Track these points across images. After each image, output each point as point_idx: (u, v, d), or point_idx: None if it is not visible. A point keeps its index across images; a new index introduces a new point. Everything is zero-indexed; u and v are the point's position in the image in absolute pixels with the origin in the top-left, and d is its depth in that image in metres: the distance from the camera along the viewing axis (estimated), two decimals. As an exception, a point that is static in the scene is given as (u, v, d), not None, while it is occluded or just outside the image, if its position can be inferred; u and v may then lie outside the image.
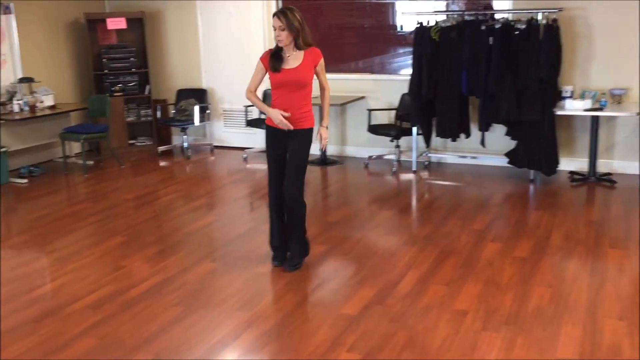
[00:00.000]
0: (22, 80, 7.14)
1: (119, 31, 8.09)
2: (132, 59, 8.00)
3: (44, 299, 3.89)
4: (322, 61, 4.05)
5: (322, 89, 4.16)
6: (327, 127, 4.16)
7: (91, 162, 7.48)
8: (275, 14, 3.91)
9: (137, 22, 8.07)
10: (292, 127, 3.97)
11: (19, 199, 6.20)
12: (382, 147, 7.20)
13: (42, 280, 4.23)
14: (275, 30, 3.91)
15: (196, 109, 7.76)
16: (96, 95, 7.68)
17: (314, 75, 4.07)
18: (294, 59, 3.96)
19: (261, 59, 4.05)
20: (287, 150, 4.07)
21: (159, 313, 3.62)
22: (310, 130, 4.08)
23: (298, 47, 3.94)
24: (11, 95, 7.03)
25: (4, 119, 6.71)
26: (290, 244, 4.26)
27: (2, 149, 6.66)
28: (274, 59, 3.97)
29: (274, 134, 4.10)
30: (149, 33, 8.16)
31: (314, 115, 4.14)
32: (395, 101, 7.04)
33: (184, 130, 7.92)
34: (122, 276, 4.19)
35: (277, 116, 3.95)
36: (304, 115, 4.03)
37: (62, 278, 4.19)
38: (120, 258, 4.53)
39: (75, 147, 7.81)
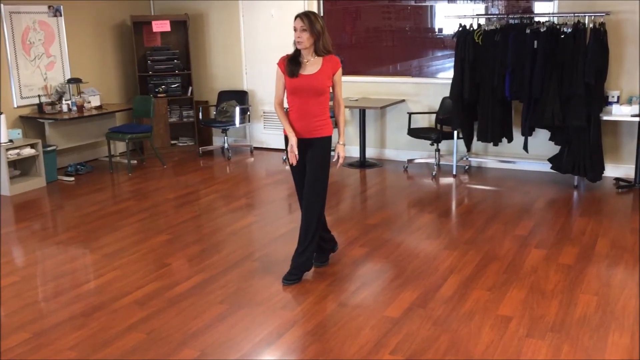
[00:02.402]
0: (71, 81, 7.35)
1: (163, 33, 8.26)
2: (175, 60, 8.15)
3: (92, 294, 4.00)
4: (340, 71, 3.91)
5: (337, 104, 3.98)
6: (344, 145, 4.02)
7: (135, 162, 7.64)
8: (297, 15, 3.81)
9: (181, 25, 8.23)
10: (294, 162, 3.92)
11: (66, 196, 6.39)
12: (422, 150, 7.18)
13: (89, 276, 4.35)
14: (296, 31, 3.80)
15: (237, 110, 7.87)
16: (140, 96, 7.85)
17: (331, 86, 3.92)
18: (312, 65, 3.86)
19: (278, 64, 3.94)
20: (306, 159, 3.95)
21: (203, 310, 3.69)
22: (329, 138, 3.95)
23: (317, 52, 3.84)
24: (60, 96, 7.25)
25: (53, 119, 6.91)
26: (295, 255, 4.10)
27: (51, 148, 6.87)
28: (291, 63, 3.87)
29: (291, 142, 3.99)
30: (192, 35, 8.30)
31: (331, 125, 3.99)
32: (436, 104, 7.01)
33: (224, 131, 8.03)
34: (167, 273, 4.28)
35: (291, 146, 3.89)
36: (322, 124, 3.91)
37: (109, 274, 4.30)
38: (165, 256, 4.62)
39: (120, 146, 7.99)
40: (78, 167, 7.24)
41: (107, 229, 5.27)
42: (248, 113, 8.16)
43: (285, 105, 4.05)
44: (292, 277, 4.05)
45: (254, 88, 8.27)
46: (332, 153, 4.04)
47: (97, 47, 7.90)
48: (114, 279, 4.22)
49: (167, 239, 5.00)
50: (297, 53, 3.89)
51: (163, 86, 8.13)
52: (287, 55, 3.95)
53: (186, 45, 8.26)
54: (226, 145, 8.06)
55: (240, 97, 8.16)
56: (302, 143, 3.92)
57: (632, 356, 3.05)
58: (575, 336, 3.25)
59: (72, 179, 6.97)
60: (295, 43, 3.84)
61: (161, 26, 8.02)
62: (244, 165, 7.65)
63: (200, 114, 8.17)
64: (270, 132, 8.30)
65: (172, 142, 8.37)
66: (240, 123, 7.95)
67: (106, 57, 8.05)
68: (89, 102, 7.35)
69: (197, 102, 8.34)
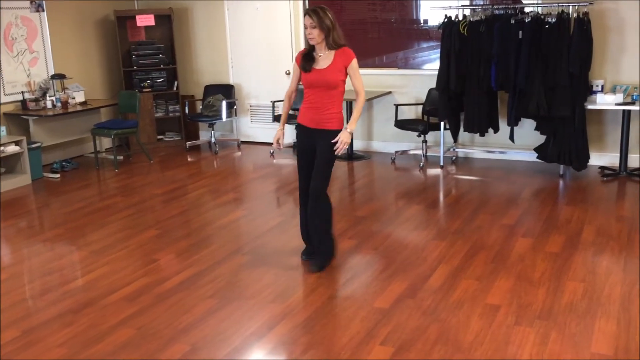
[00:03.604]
0: (55, 77, 7.28)
1: (147, 28, 8.20)
2: (160, 55, 8.09)
3: (81, 290, 3.98)
4: (353, 63, 3.93)
5: (356, 93, 4.00)
6: (350, 133, 3.96)
7: (121, 157, 7.60)
8: (306, 12, 3.93)
9: (166, 19, 8.17)
10: (279, 148, 4.17)
11: (52, 193, 6.34)
12: (409, 142, 7.20)
13: (78, 272, 4.33)
14: (306, 28, 3.91)
15: (223, 104, 7.84)
16: (126, 91, 7.80)
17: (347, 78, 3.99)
18: (324, 59, 3.93)
19: (295, 59, 4.07)
20: (316, 149, 4.01)
21: (193, 305, 3.68)
22: (337, 132, 3.98)
23: (329, 46, 3.91)
24: (44, 92, 7.18)
25: (37, 115, 6.85)
26: (314, 244, 4.22)
27: (36, 145, 6.80)
28: (305, 59, 3.97)
29: (300, 131, 4.13)
30: (176, 29, 8.25)
31: (342, 119, 4.04)
32: (423, 96, 7.03)
33: (211, 125, 8.00)
34: (156, 269, 4.27)
35: (275, 136, 4.21)
36: (331, 117, 3.96)
37: (97, 271, 4.28)
38: (153, 251, 4.61)
39: (106, 142, 7.95)
40: (64, 163, 7.18)
41: (94, 226, 5.24)
42: (235, 107, 8.14)
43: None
44: (318, 263, 4.16)
45: (240, 82, 8.24)
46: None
47: (80, 43, 7.83)
48: (102, 275, 4.20)
49: (155, 234, 4.98)
50: (312, 48, 3.98)
51: (148, 81, 8.08)
52: (304, 49, 4.06)
53: (171, 40, 8.20)
54: (213, 139, 8.04)
55: (227, 91, 8.13)
56: (312, 133, 4.02)
57: (618, 342, 3.09)
58: (562, 323, 3.29)
59: (58, 175, 6.91)
60: (307, 40, 3.94)
61: (145, 20, 7.96)
62: (232, 159, 7.63)
63: (187, 108, 8.12)
64: (257, 126, 8.28)
65: (159, 137, 8.33)
66: (226, 117, 7.92)
67: (90, 52, 7.98)
68: (74, 98, 7.29)
69: (183, 97, 8.30)
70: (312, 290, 3.85)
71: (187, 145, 8.12)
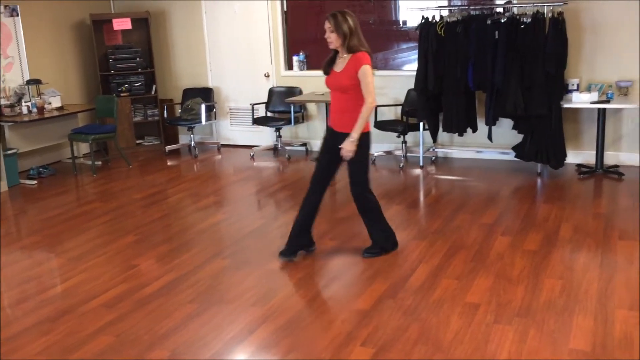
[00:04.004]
0: (30, 82, 7.19)
1: (124, 31, 8.13)
2: (138, 59, 8.04)
3: (59, 298, 3.93)
4: (363, 69, 3.89)
5: (364, 99, 3.94)
6: (352, 141, 3.94)
7: (99, 163, 7.53)
8: (326, 16, 3.99)
9: (143, 22, 8.12)
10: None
11: (29, 200, 6.25)
12: (389, 142, 7.23)
13: (55, 280, 4.27)
14: (326, 32, 3.98)
15: (203, 107, 7.80)
16: (103, 95, 7.73)
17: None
18: (341, 63, 4.00)
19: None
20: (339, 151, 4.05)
21: (173, 310, 3.66)
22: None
23: (347, 50, 3.96)
24: (19, 97, 7.08)
25: (13, 121, 6.76)
26: (370, 233, 4.35)
27: (12, 151, 6.71)
28: (327, 61, 4.09)
29: (328, 131, 4.25)
30: (154, 33, 8.20)
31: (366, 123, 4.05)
32: (401, 97, 7.06)
33: (190, 129, 7.96)
34: (135, 274, 4.23)
35: None
36: (350, 120, 3.98)
37: (75, 277, 4.24)
38: (133, 257, 4.56)
39: (84, 147, 7.87)
40: (40, 169, 7.09)
41: (72, 232, 5.19)
42: (214, 110, 8.11)
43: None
44: (372, 251, 4.32)
45: (220, 85, 8.21)
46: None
47: (56, 47, 7.74)
48: (80, 282, 4.15)
49: (134, 239, 4.94)
50: (336, 51, 4.06)
51: (126, 85, 8.02)
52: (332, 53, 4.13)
53: (149, 43, 8.15)
54: (192, 143, 7.99)
55: (206, 94, 8.10)
56: (335, 135, 4.10)
57: (595, 338, 3.13)
58: (541, 320, 3.33)
59: (35, 182, 6.83)
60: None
61: (122, 24, 7.90)
62: (212, 162, 7.60)
63: (165, 112, 8.07)
64: (237, 129, 8.26)
65: (138, 141, 8.26)
66: (206, 120, 7.89)
67: (66, 57, 7.89)
68: (50, 104, 7.21)
69: (161, 101, 8.25)
70: (293, 292, 3.85)
71: (167, 150, 8.07)
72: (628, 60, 6.14)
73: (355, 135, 3.95)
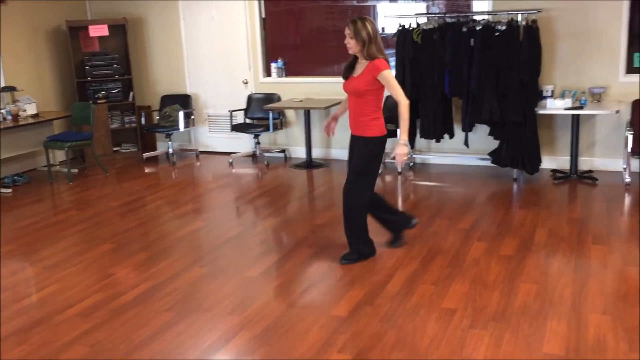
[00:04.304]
0: (4, 89, 7.10)
1: (101, 38, 8.08)
2: (115, 65, 7.98)
3: (34, 308, 3.88)
4: (383, 74, 3.97)
5: (397, 103, 4.03)
6: (405, 144, 4.00)
7: (75, 170, 7.45)
8: (347, 22, 4.08)
9: (120, 29, 8.07)
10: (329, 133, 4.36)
11: (4, 208, 6.16)
12: (367, 149, 7.25)
13: (30, 289, 4.21)
14: (346, 37, 4.08)
15: (181, 114, 7.77)
16: (79, 102, 7.65)
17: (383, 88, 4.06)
18: (359, 68, 4.10)
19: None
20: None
21: (149, 319, 3.63)
22: (371, 139, 4.14)
23: (365, 57, 4.04)
24: (-6, 105, 6.99)
25: (-14, 129, 6.67)
26: (348, 240, 4.39)
27: (-14, 159, 6.62)
28: (346, 67, 4.18)
29: (351, 136, 4.33)
30: (131, 39, 8.15)
31: (380, 126, 4.14)
32: (379, 103, 7.09)
33: (168, 136, 7.92)
34: (111, 283, 4.19)
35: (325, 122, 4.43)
36: (364, 124, 4.12)
37: (50, 287, 4.18)
38: (109, 265, 4.52)
39: (60, 155, 7.78)
40: (15, 178, 7.00)
41: (47, 241, 5.12)
42: (192, 117, 8.08)
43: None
44: (348, 257, 4.35)
45: (198, 91, 8.19)
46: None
47: (31, 54, 7.66)
48: (55, 291, 4.10)
49: (111, 248, 4.89)
50: (355, 57, 4.15)
51: (103, 92, 7.96)
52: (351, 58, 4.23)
53: (126, 50, 8.10)
54: (171, 150, 7.95)
55: (184, 101, 8.07)
56: (353, 139, 4.28)
57: (569, 342, 3.17)
58: (515, 325, 3.36)
59: (10, 190, 6.73)
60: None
61: (98, 31, 7.84)
62: (190, 169, 7.56)
63: (143, 119, 8.02)
64: (215, 136, 8.24)
65: (115, 148, 8.20)
66: (184, 127, 7.86)
67: (42, 63, 7.81)
68: (25, 111, 7.12)
69: (139, 107, 8.20)
70: (271, 300, 3.84)
71: (144, 157, 8.02)
72: (601, 67, 6.25)
73: (404, 137, 4.04)
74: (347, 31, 4.05)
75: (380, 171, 4.30)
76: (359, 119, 4.16)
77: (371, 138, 4.15)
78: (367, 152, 4.17)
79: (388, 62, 4.07)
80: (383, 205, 4.55)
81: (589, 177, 6.17)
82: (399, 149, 4.05)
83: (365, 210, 4.33)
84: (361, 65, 4.10)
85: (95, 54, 7.98)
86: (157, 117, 8.08)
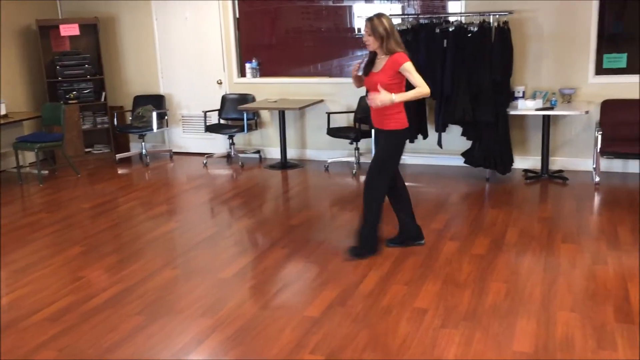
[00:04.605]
0: (-28, 89, 6.96)
1: (72, 37, 7.97)
2: (86, 65, 7.88)
3: (1, 312, 3.80)
4: (404, 66, 4.09)
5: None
6: (390, 99, 4.06)
7: (46, 172, 7.33)
8: (365, 20, 4.17)
9: (91, 28, 7.96)
10: (355, 73, 4.31)
11: (-28, 211, 6.04)
12: (342, 149, 7.28)
13: (-2, 293, 4.14)
14: (364, 35, 4.18)
15: (154, 115, 7.69)
16: (50, 103, 7.53)
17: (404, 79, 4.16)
18: (379, 64, 4.20)
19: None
20: None
21: (120, 322, 3.59)
22: (393, 132, 4.25)
23: (385, 52, 4.14)
24: (-39, 105, 6.85)
25: (-47, 129, 6.53)
26: (360, 231, 4.46)
27: (-47, 160, 6.48)
28: (367, 63, 4.27)
29: (374, 131, 4.49)
30: (103, 39, 8.05)
31: (402, 120, 4.24)
32: (354, 104, 7.12)
33: (142, 137, 7.84)
34: (81, 286, 4.13)
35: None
36: (386, 118, 4.23)
37: (19, 290, 4.11)
38: (80, 268, 4.46)
39: (30, 156, 7.66)
40: (-16, 179, 6.87)
41: (17, 244, 5.03)
42: (166, 117, 8.00)
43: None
44: (357, 252, 4.41)
45: (171, 92, 8.12)
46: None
47: (0, 53, 7.51)
48: (24, 295, 4.03)
49: (82, 250, 4.83)
50: (375, 53, 4.24)
51: (74, 92, 7.85)
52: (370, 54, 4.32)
53: (97, 50, 8.00)
54: (144, 151, 7.87)
55: (157, 101, 7.99)
56: (377, 132, 4.42)
57: (538, 340, 3.21)
58: (486, 324, 3.40)
59: (-22, 192, 6.61)
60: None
61: (69, 30, 7.73)
62: (164, 170, 7.50)
63: (115, 119, 7.93)
64: (189, 136, 8.18)
65: (87, 149, 8.08)
66: (157, 128, 7.78)
67: (11, 63, 7.67)
68: (-6, 111, 6.99)
69: (111, 108, 8.10)
70: (243, 301, 3.83)
71: (117, 158, 7.92)
72: (571, 68, 6.35)
73: (396, 98, 4.08)
74: (365, 28, 4.14)
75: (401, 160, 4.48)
76: (381, 113, 4.23)
77: (394, 131, 4.26)
78: (389, 144, 4.30)
79: (407, 54, 4.16)
80: (408, 205, 4.59)
81: (559, 176, 6.26)
82: (383, 95, 4.07)
83: (381, 199, 4.40)
84: (381, 60, 4.19)
85: (66, 54, 7.87)
86: (130, 118, 7.99)
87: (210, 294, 3.93)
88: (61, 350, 3.30)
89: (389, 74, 4.13)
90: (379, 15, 4.15)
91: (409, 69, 4.12)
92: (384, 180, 4.35)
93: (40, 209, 6.07)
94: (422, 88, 4.13)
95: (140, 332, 3.47)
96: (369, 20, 4.14)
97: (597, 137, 5.90)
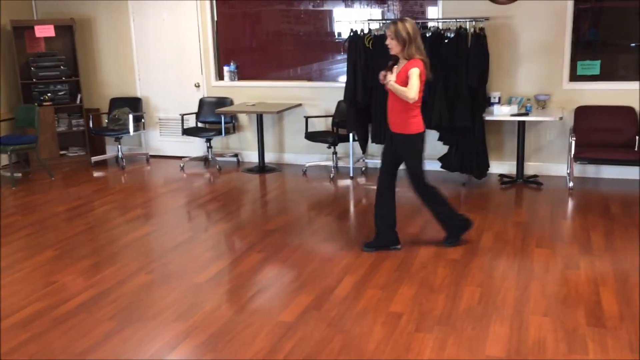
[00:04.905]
0: (-56, 89, 6.83)
1: (47, 39, 7.86)
2: (62, 67, 7.78)
3: (-31, 318, 3.73)
4: (412, 70, 4.15)
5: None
6: (390, 82, 4.18)
7: (19, 175, 7.22)
8: (388, 24, 4.32)
9: (67, 30, 7.87)
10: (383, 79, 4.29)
11: (-58, 214, 5.92)
12: (320, 153, 7.28)
13: (-33, 298, 4.06)
14: (387, 38, 4.28)
15: (130, 117, 7.63)
16: (24, 105, 7.42)
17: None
18: (398, 68, 4.26)
19: None
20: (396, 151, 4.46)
21: (92, 328, 3.54)
22: (409, 136, 4.35)
23: (405, 57, 4.22)
24: None
25: None
26: (442, 223, 4.68)
27: None
28: (389, 67, 4.30)
29: (388, 132, 4.53)
30: (79, 40, 7.96)
31: (418, 123, 4.34)
32: (332, 108, 7.13)
33: (118, 139, 7.76)
34: (53, 291, 4.07)
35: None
36: (402, 122, 4.33)
37: (-12, 296, 4.04)
38: (52, 273, 4.39)
39: (3, 159, 7.52)
40: (-45, 182, 6.74)
41: (-13, 248, 4.95)
42: (142, 120, 7.94)
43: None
44: (449, 240, 4.65)
45: (148, 94, 8.05)
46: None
47: (-27, 54, 7.40)
48: (-6, 301, 3.96)
49: (55, 254, 4.76)
50: (398, 58, 4.31)
51: (49, 94, 7.74)
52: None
53: (73, 51, 7.91)
54: (120, 154, 7.79)
55: (134, 103, 7.92)
56: (392, 136, 4.47)
57: (510, 344, 3.24)
58: (460, 328, 3.42)
59: (-51, 195, 6.48)
60: None
61: (45, 31, 7.63)
62: (140, 174, 7.43)
63: (91, 122, 7.84)
64: (166, 139, 8.12)
65: (62, 152, 7.98)
66: (134, 131, 7.71)
67: (-16, 63, 7.55)
68: (-34, 113, 6.87)
69: (87, 110, 8.01)
70: (218, 306, 3.80)
71: (93, 161, 7.83)
72: (546, 75, 6.43)
73: (393, 85, 4.17)
74: (388, 32, 4.22)
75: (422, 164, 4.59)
76: (398, 116, 4.33)
77: (411, 135, 4.35)
78: (411, 151, 4.41)
79: (425, 64, 4.23)
80: (392, 213, 4.67)
81: (534, 181, 6.33)
82: (390, 74, 4.20)
83: (436, 192, 4.57)
84: (400, 64, 4.26)
85: (41, 55, 7.76)
86: (106, 120, 7.91)
87: (185, 299, 3.90)
88: (31, 356, 3.25)
89: (402, 78, 4.21)
90: (403, 20, 4.20)
91: (412, 73, 4.16)
92: (424, 178, 4.52)
93: (14, 211, 5.97)
94: (410, 92, 4.15)
95: (112, 337, 3.43)
96: (393, 23, 4.20)
97: (571, 142, 5.99)
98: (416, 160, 4.45)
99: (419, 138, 4.40)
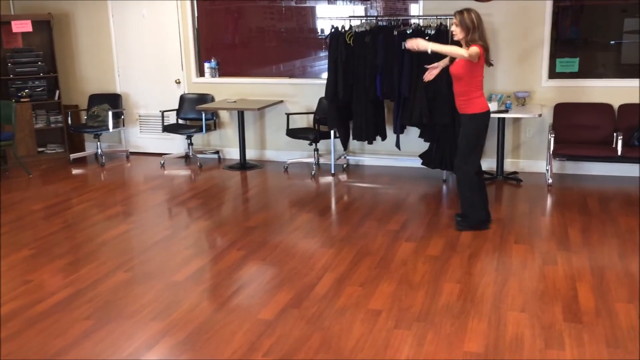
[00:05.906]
0: None
1: (25, 34, 7.75)
2: (40, 63, 7.67)
3: (-58, 318, 3.67)
4: (471, 48, 4.45)
5: (477, 86, 4.66)
6: (425, 45, 4.54)
7: (-3, 172, 7.12)
8: (455, 12, 4.62)
9: (45, 25, 7.76)
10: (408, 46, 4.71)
11: None
12: (301, 150, 7.26)
13: (-60, 298, 3.99)
14: (452, 25, 4.64)
15: (110, 114, 7.54)
16: (1, 101, 7.30)
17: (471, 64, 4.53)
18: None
19: None
20: None
21: (68, 328, 3.49)
22: (474, 116, 4.66)
23: (467, 43, 4.54)
24: None
25: None
26: (461, 205, 4.97)
27: None
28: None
29: None
30: (57, 36, 7.85)
31: (481, 103, 4.65)
32: (313, 105, 7.12)
33: (97, 136, 7.67)
34: (28, 291, 4.01)
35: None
36: (464, 103, 4.68)
37: (-38, 295, 3.97)
38: (27, 272, 4.33)
39: (-21, 156, 7.41)
40: None
41: (-38, 247, 4.86)
42: (122, 117, 7.86)
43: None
44: (462, 224, 4.92)
45: (128, 91, 7.97)
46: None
47: (-52, 49, 7.27)
48: (-33, 300, 3.89)
49: (30, 253, 4.69)
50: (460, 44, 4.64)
51: (27, 90, 7.63)
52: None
53: (51, 47, 7.80)
54: (99, 151, 7.71)
55: (113, 100, 7.84)
56: (461, 117, 4.81)
57: (488, 340, 3.26)
58: (438, 324, 3.43)
59: None
60: None
61: (22, 26, 7.52)
62: (120, 171, 7.35)
63: (70, 118, 7.74)
64: (147, 136, 8.04)
65: (40, 149, 7.87)
66: (114, 127, 7.63)
67: (-40, 59, 7.42)
68: (-60, 109, 6.75)
69: (65, 107, 7.90)
70: (196, 305, 3.77)
71: (71, 158, 7.74)
72: (525, 72, 6.48)
73: (432, 47, 4.54)
74: (454, 19, 4.58)
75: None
76: (461, 98, 4.68)
77: (474, 115, 4.66)
78: (472, 129, 4.70)
79: (485, 49, 4.56)
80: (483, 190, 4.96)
81: (514, 178, 6.37)
82: (421, 41, 4.58)
83: (474, 181, 4.81)
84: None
85: (18, 51, 7.65)
86: (85, 117, 7.81)
87: (163, 297, 3.87)
88: (6, 357, 3.19)
89: (461, 63, 4.54)
90: (469, 10, 4.56)
91: (472, 51, 4.43)
92: (474, 162, 4.78)
93: (-11, 210, 5.89)
94: (461, 50, 4.46)
95: (88, 337, 3.38)
96: (459, 13, 4.55)
97: (550, 139, 6.03)
98: (476, 141, 4.74)
99: (482, 117, 4.69)
